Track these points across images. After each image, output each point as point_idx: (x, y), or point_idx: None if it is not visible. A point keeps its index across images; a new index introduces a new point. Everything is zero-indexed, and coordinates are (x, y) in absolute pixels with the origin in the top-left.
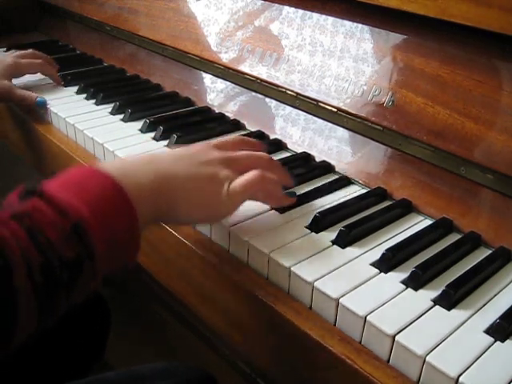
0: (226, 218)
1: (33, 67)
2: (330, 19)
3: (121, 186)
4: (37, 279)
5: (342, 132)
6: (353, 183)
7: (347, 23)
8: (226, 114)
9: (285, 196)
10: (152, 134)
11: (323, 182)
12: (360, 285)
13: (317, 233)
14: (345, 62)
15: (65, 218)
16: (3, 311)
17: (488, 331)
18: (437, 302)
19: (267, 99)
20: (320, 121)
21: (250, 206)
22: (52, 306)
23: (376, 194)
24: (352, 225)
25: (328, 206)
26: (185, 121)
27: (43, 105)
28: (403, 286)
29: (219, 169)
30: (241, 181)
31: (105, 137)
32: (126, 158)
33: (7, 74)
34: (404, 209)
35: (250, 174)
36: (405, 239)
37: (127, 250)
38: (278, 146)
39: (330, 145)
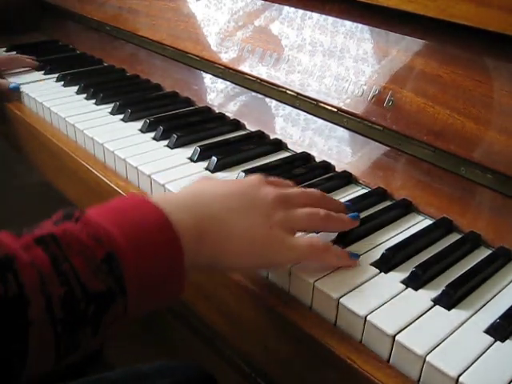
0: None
1: (2, 64)
2: (330, 19)
3: (169, 220)
4: (56, 313)
5: (341, 132)
6: (353, 183)
7: (347, 23)
8: (226, 113)
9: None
10: (152, 134)
11: (323, 182)
12: (360, 285)
13: (317, 233)
14: (345, 62)
15: (98, 245)
16: (12, 343)
17: (488, 331)
18: (437, 301)
19: (267, 99)
20: (320, 121)
21: None
22: (73, 343)
23: (376, 194)
24: None
25: None
26: (185, 121)
27: (17, 90)
28: (403, 286)
29: (272, 210)
30: (309, 243)
31: (105, 137)
32: (170, 193)
33: None
34: (404, 209)
35: (319, 243)
36: (405, 239)
37: (169, 289)
38: (278, 145)
39: (330, 145)
